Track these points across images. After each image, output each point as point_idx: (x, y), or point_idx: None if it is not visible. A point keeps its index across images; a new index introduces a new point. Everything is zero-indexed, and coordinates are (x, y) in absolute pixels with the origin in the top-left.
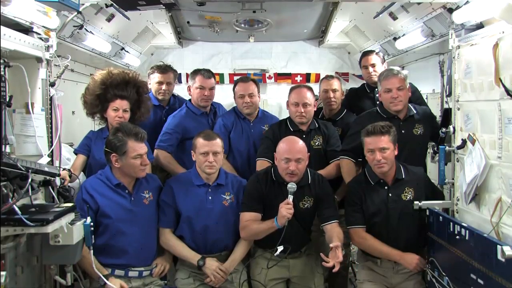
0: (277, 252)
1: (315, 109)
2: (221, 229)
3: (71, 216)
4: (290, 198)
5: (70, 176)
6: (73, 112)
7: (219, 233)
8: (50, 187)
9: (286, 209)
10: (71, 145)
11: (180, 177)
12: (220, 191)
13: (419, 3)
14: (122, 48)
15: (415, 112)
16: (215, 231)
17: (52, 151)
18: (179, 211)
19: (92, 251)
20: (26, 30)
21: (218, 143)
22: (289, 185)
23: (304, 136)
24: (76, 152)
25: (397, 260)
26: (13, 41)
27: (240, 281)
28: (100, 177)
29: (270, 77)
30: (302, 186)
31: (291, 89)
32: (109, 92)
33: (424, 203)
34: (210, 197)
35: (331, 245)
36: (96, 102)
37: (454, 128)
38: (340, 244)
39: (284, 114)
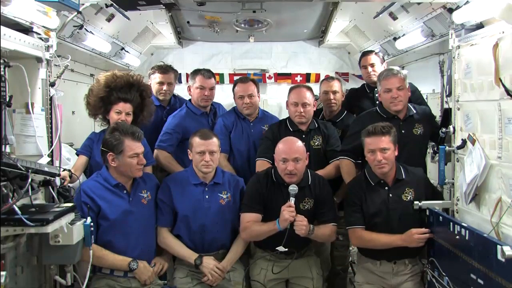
0: (282, 250)
1: (315, 109)
2: (218, 228)
3: (71, 216)
4: (292, 200)
5: (70, 177)
6: (73, 112)
7: (216, 232)
8: (50, 187)
9: (288, 212)
10: (71, 145)
11: (177, 176)
12: (217, 190)
13: (419, 3)
14: (122, 48)
15: (414, 112)
16: (212, 230)
17: (52, 151)
18: (176, 210)
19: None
20: (26, 30)
21: (214, 142)
22: (290, 187)
23: (303, 136)
24: (78, 153)
25: (401, 244)
26: (13, 41)
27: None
28: (97, 179)
29: (270, 77)
30: (302, 187)
31: (291, 89)
32: (113, 94)
33: (424, 203)
34: (207, 196)
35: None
36: (100, 104)
37: (454, 128)
38: (305, 224)
39: (284, 114)
